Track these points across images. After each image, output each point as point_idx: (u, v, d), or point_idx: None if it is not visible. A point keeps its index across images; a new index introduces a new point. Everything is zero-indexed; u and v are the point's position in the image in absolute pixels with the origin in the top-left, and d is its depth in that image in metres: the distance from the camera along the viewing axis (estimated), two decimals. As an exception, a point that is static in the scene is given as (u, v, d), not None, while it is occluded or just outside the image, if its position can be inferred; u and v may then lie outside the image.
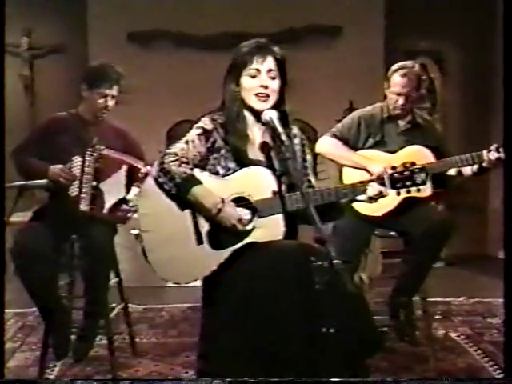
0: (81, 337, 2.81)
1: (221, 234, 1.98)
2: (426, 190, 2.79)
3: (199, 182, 1.97)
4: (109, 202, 2.74)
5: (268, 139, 2.08)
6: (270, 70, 2.04)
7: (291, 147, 2.09)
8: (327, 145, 2.96)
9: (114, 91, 2.85)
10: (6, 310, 3.69)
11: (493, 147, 2.67)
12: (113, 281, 2.97)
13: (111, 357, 2.85)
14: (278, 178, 2.02)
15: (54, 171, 2.72)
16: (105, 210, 2.75)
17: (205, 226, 2.00)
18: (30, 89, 5.02)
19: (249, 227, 1.98)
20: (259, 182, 2.00)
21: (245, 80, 2.05)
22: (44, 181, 2.73)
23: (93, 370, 2.92)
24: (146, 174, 2.58)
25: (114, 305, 3.06)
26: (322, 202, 1.98)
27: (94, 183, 2.73)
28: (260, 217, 1.98)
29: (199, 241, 1.99)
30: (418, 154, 2.81)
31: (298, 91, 4.64)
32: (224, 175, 2.05)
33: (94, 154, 2.73)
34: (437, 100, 5.20)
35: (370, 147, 2.94)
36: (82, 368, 2.92)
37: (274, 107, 2.05)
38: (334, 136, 2.95)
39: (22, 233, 2.73)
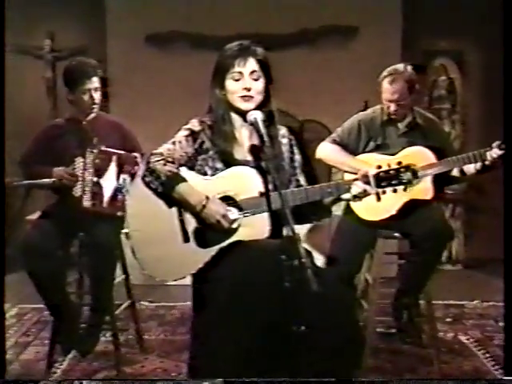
0: (86, 332, 2.87)
1: (207, 232, 2.01)
2: (428, 192, 2.80)
3: (184, 180, 2.01)
4: (107, 194, 2.81)
5: (255, 140, 2.09)
6: (253, 72, 2.05)
7: (277, 147, 2.11)
8: (326, 151, 2.96)
9: (95, 83, 2.88)
10: (24, 305, 3.85)
11: (495, 144, 2.64)
12: (120, 278, 3.04)
13: (116, 352, 2.92)
14: (263, 177, 2.03)
15: (57, 173, 2.81)
16: (104, 204, 2.82)
17: (191, 225, 2.03)
18: (52, 90, 5.13)
19: (234, 226, 2.00)
20: (245, 182, 2.03)
21: (229, 83, 2.07)
22: (50, 180, 2.80)
23: (100, 366, 2.98)
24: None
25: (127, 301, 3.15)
26: (306, 200, 2.00)
27: (95, 179, 2.80)
28: (246, 215, 2.01)
29: (186, 239, 2.02)
30: (419, 155, 2.79)
31: (313, 92, 4.69)
32: (212, 175, 2.07)
33: (94, 151, 2.80)
34: (457, 101, 5.12)
35: (372, 151, 2.93)
36: (89, 363, 2.99)
37: (259, 106, 2.07)
38: (334, 141, 2.96)
39: (30, 230, 2.83)
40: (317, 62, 4.72)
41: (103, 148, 2.81)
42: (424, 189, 2.79)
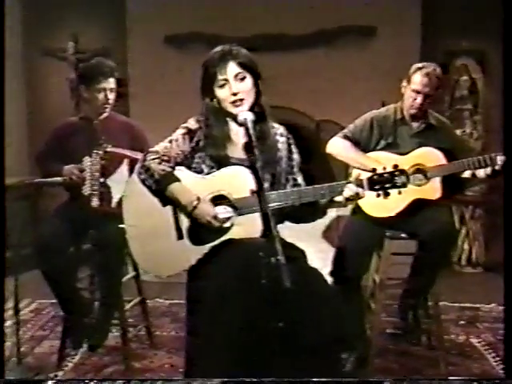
0: (95, 327, 2.94)
1: (201, 230, 2.04)
2: (436, 192, 2.78)
3: (177, 180, 2.04)
4: (116, 196, 2.86)
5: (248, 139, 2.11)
6: (237, 74, 2.07)
7: (270, 146, 2.12)
8: (337, 146, 2.96)
9: (111, 84, 2.96)
10: (43, 300, 3.95)
11: None
12: (131, 275, 3.10)
13: (124, 347, 2.97)
14: (257, 177, 2.04)
15: (67, 170, 2.89)
16: (113, 205, 2.87)
17: (185, 222, 2.07)
18: (75, 91, 5.23)
19: (228, 224, 2.03)
20: (239, 181, 2.05)
21: (217, 91, 2.09)
22: (61, 178, 2.88)
23: (110, 360, 3.05)
24: None
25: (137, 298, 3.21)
26: (299, 201, 2.02)
27: (102, 180, 2.87)
28: (239, 214, 2.04)
29: (179, 236, 2.06)
30: (429, 156, 2.79)
31: (330, 92, 4.67)
32: (208, 173, 2.10)
33: (100, 152, 2.86)
34: (479, 101, 5.04)
35: (382, 149, 2.91)
36: (100, 357, 3.07)
37: (252, 107, 2.09)
38: (345, 137, 2.95)
39: (42, 227, 2.91)
40: (334, 62, 4.71)
41: (109, 149, 2.87)
42: (432, 189, 2.78)
